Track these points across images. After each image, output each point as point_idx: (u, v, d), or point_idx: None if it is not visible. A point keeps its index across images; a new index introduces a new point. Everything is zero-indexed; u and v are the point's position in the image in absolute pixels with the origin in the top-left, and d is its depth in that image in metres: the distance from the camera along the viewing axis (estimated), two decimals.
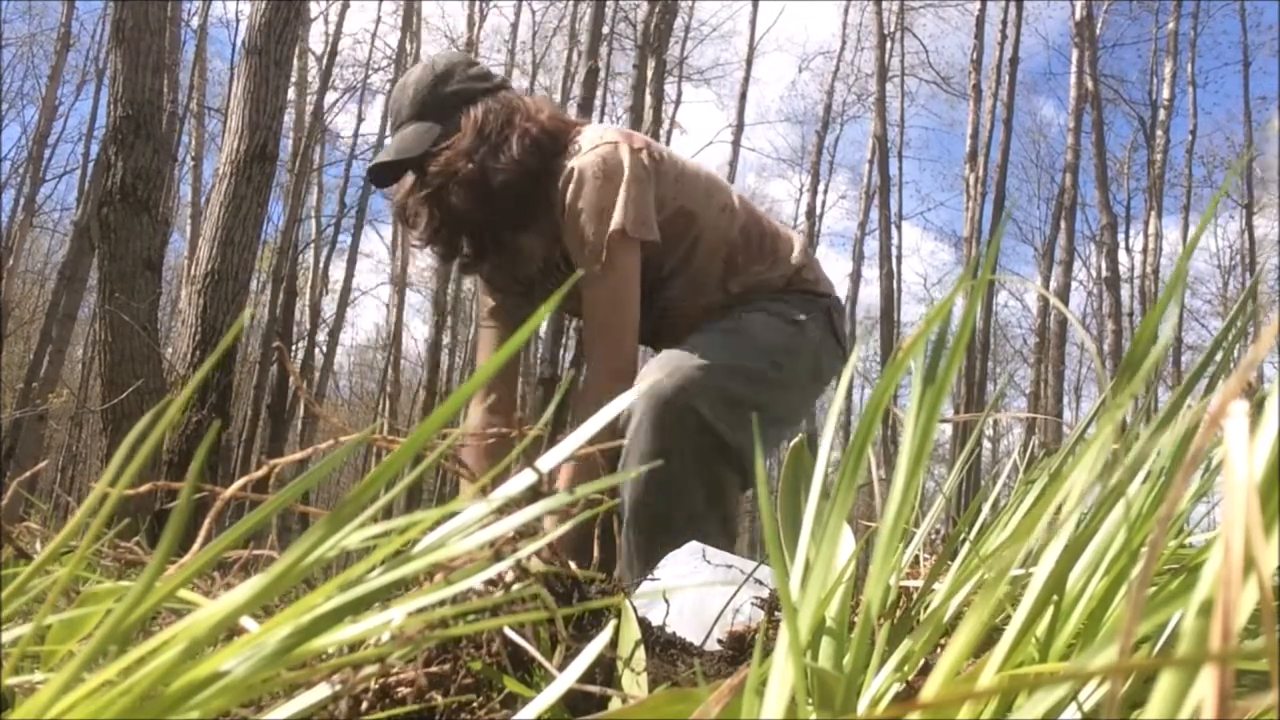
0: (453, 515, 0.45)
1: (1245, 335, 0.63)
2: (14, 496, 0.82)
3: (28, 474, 0.96)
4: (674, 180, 1.74)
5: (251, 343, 12.97)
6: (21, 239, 15.82)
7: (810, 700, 0.45)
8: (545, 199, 1.71)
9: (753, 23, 16.22)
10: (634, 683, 0.61)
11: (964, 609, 0.60)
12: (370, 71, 15.99)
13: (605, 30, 11.40)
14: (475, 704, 0.61)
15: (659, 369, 1.59)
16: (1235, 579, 0.27)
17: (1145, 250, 13.82)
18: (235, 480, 0.61)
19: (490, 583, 0.65)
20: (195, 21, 14.45)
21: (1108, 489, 0.48)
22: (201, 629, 0.37)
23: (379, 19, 15.94)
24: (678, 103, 16.90)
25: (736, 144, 15.45)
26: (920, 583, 0.73)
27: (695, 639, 1.03)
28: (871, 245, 14.99)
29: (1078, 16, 12.32)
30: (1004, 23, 12.83)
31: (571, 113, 7.24)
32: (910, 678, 0.54)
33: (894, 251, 14.06)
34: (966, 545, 0.74)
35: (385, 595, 0.40)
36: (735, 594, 1.02)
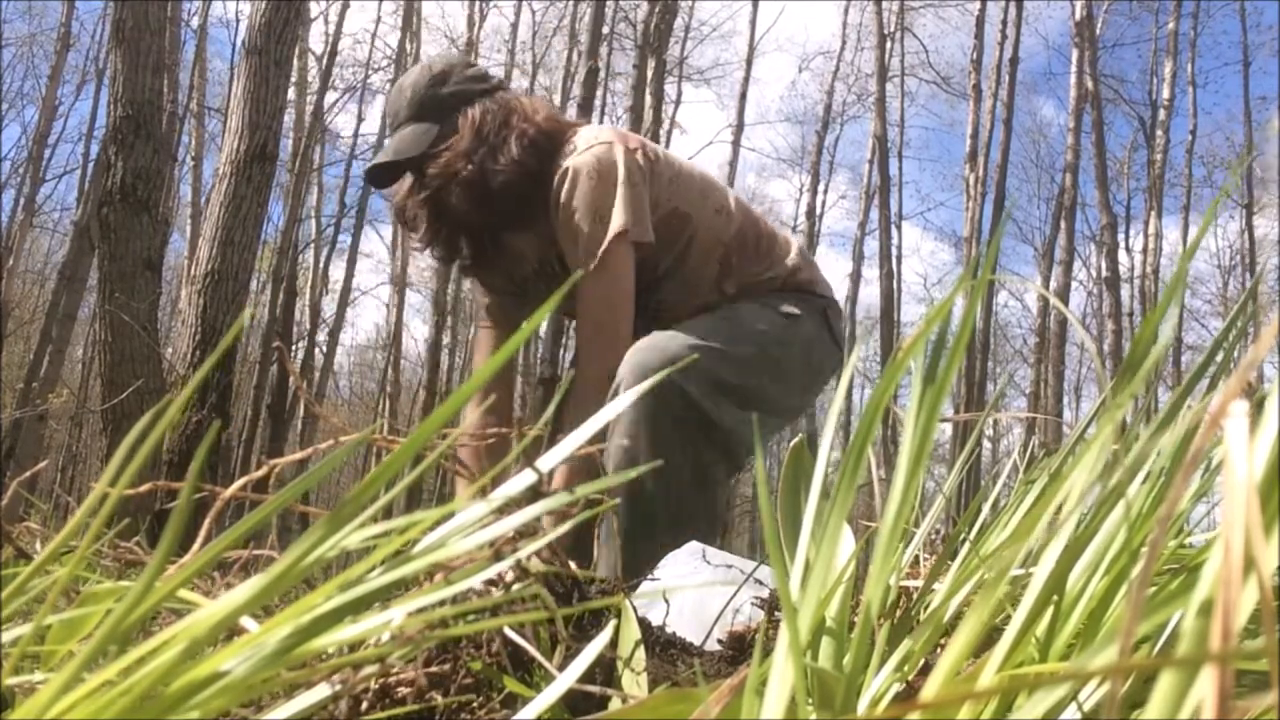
0: (453, 515, 0.45)
1: (1245, 335, 0.63)
2: (14, 496, 0.82)
3: (28, 474, 0.96)
4: (669, 181, 1.74)
5: (251, 343, 12.97)
6: (21, 239, 15.82)
7: (810, 700, 0.45)
8: (542, 200, 1.71)
9: (753, 23, 16.23)
10: (634, 683, 0.61)
11: (964, 609, 0.60)
12: (370, 71, 16.00)
13: (605, 30, 11.40)
14: (475, 704, 0.61)
15: (646, 347, 1.58)
16: (1235, 579, 0.27)
17: (1145, 250, 13.82)
18: (235, 480, 0.61)
19: (490, 583, 0.65)
20: (195, 21, 14.46)
21: (1108, 489, 0.48)
22: (201, 629, 0.37)
23: (379, 19, 15.96)
24: (678, 103, 16.90)
25: (736, 144, 15.45)
26: (920, 583, 0.73)
27: (695, 639, 1.03)
28: (871, 245, 15.01)
29: (1078, 16, 12.32)
30: (1004, 23, 12.84)
31: (571, 113, 7.24)
32: (910, 678, 0.54)
33: (894, 251, 14.07)
34: (966, 545, 0.74)
35: (385, 595, 0.40)
36: (735, 594, 1.02)
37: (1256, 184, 15.34)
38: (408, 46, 14.99)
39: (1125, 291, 13.41)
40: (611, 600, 0.63)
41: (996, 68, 12.59)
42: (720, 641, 1.07)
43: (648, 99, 9.65)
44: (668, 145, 15.71)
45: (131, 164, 3.63)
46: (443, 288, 13.19)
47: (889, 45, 14.91)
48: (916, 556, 0.87)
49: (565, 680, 0.49)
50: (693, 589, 1.04)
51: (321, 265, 15.39)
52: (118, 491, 0.38)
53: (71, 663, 0.36)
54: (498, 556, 0.49)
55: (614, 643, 0.64)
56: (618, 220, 1.62)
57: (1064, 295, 12.67)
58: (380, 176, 1.79)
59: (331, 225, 15.51)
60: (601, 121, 15.86)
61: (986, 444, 18.86)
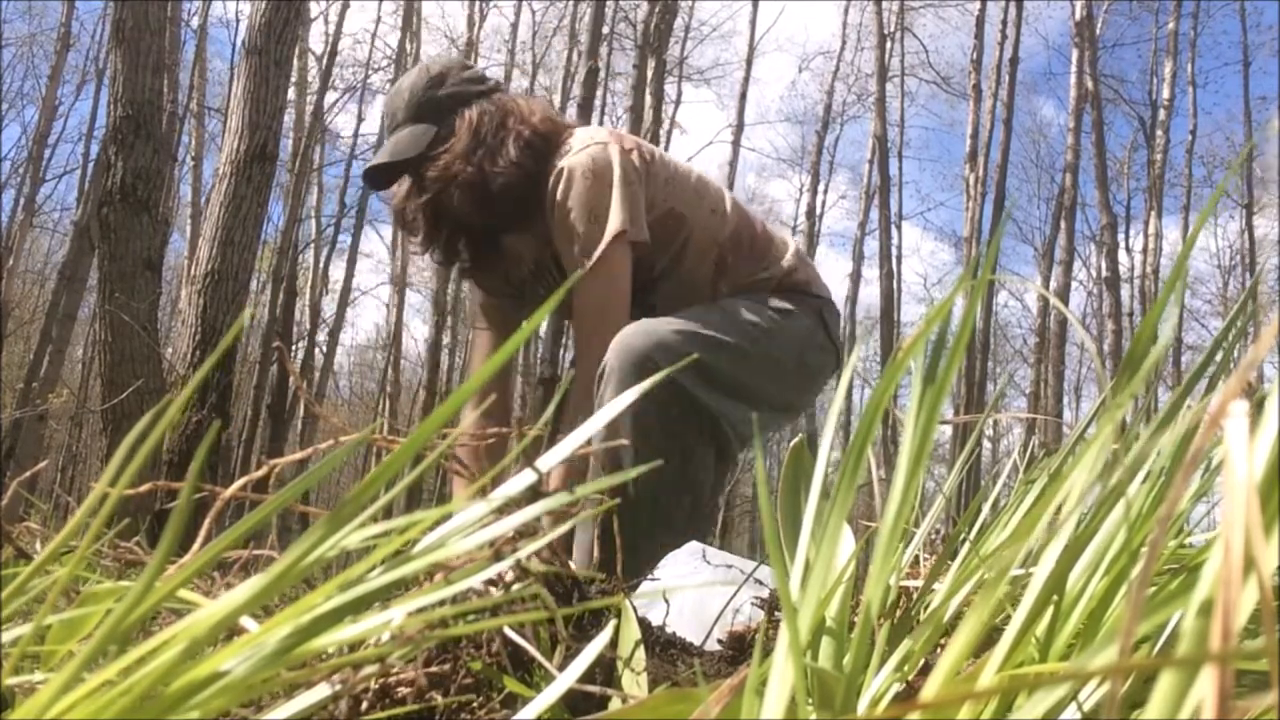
0: (452, 515, 0.45)
1: (1245, 335, 0.63)
2: (14, 496, 0.82)
3: (28, 474, 0.96)
4: (664, 182, 1.74)
5: (251, 343, 12.97)
6: (21, 239, 15.82)
7: (810, 700, 0.45)
8: (538, 201, 1.72)
9: (753, 23, 16.23)
10: (634, 683, 0.62)
11: (964, 609, 0.60)
12: (370, 71, 15.99)
13: (605, 30, 11.40)
14: (475, 704, 0.61)
15: (633, 331, 1.57)
16: (1235, 579, 0.27)
17: (1145, 250, 13.82)
18: (235, 480, 0.61)
19: (490, 583, 0.65)
20: (195, 21, 14.45)
21: (1108, 489, 0.48)
22: (201, 629, 0.37)
23: (379, 19, 15.95)
24: (678, 103, 16.90)
25: (736, 144, 15.45)
26: (920, 583, 0.73)
27: (695, 639, 1.03)
28: (871, 245, 15.01)
29: (1078, 16, 12.32)
30: (1004, 23, 12.84)
31: (572, 113, 7.24)
32: (910, 678, 0.54)
33: (894, 251, 14.06)
34: (966, 545, 0.74)
35: (385, 595, 0.40)
36: (735, 594, 1.02)
37: (1256, 184, 15.36)
38: (408, 46, 14.99)
39: (1125, 291, 13.41)
40: (611, 600, 0.63)
41: (996, 68, 12.59)
42: (720, 641, 1.07)
43: (648, 99, 9.65)
44: (668, 145, 15.72)
45: (131, 164, 3.63)
46: (443, 288, 13.19)
47: (889, 45, 14.91)
48: (916, 556, 0.87)
49: (565, 680, 0.49)
50: (693, 589, 1.04)
51: (321, 265, 15.40)
52: (118, 491, 0.38)
53: (71, 663, 0.36)
54: (498, 556, 0.49)
55: (614, 643, 0.64)
56: (614, 221, 1.62)
57: (1064, 295, 12.68)
58: (378, 178, 1.79)
59: (331, 225, 15.52)
60: (601, 121, 15.87)
61: (986, 444, 18.86)
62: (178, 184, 13.95)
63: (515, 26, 17.07)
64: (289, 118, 13.09)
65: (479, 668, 0.63)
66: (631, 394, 0.51)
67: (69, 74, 15.51)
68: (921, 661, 0.55)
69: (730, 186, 15.30)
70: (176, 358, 3.76)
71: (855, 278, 15.93)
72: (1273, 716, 0.25)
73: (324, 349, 15.10)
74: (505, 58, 17.02)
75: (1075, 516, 0.48)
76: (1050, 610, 0.50)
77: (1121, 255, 13.63)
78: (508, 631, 0.63)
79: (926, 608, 0.70)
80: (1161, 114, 14.33)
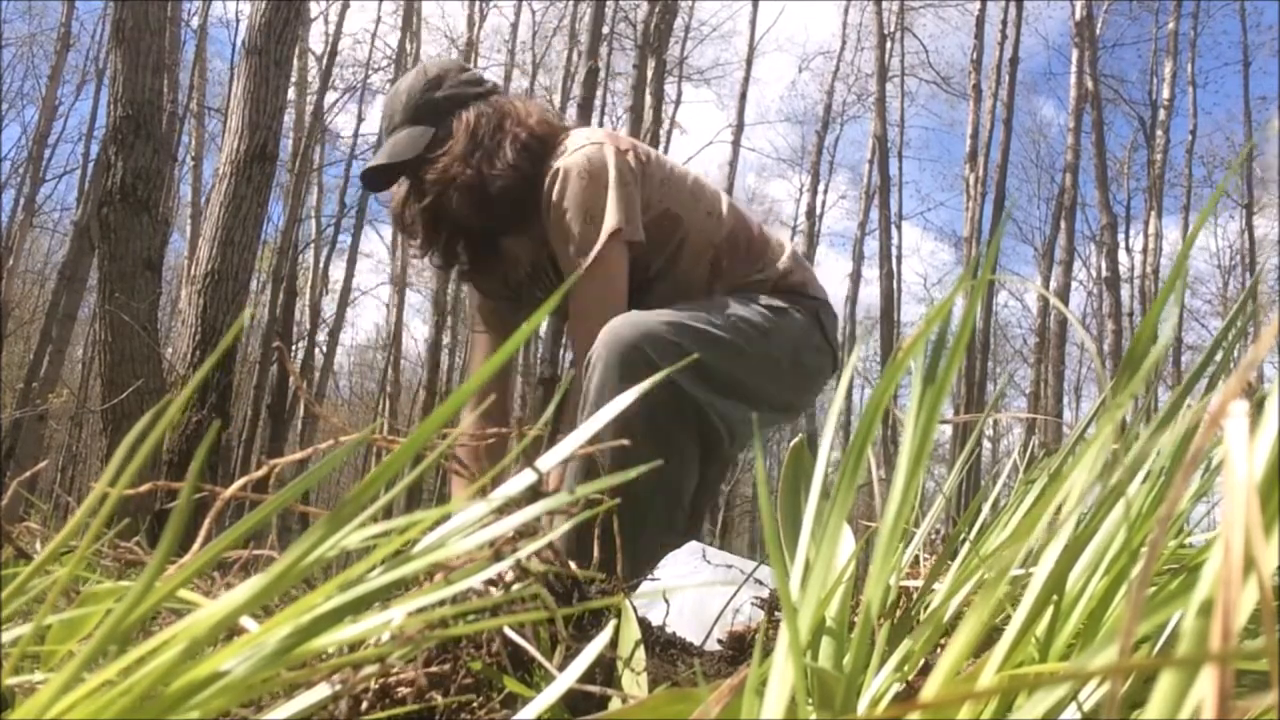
0: (452, 515, 0.45)
1: (1245, 335, 0.63)
2: (14, 496, 0.82)
3: (28, 474, 0.96)
4: (660, 183, 1.74)
5: (251, 343, 12.97)
6: (21, 239, 15.82)
7: (810, 700, 0.45)
8: (535, 202, 1.72)
9: (753, 23, 16.23)
10: (634, 683, 0.62)
11: (964, 609, 0.60)
12: (370, 71, 15.99)
13: (605, 30, 11.40)
14: (475, 704, 0.61)
15: (622, 321, 1.56)
16: (1235, 579, 0.27)
17: (1145, 250, 13.82)
18: (235, 480, 0.61)
19: (490, 583, 0.65)
20: (195, 21, 14.45)
21: (1108, 489, 0.48)
22: (201, 629, 0.37)
23: (379, 19, 15.94)
24: (678, 103, 16.90)
25: (736, 144, 15.45)
26: (920, 583, 0.73)
27: (695, 639, 1.03)
28: (871, 245, 15.01)
29: (1078, 16, 12.32)
30: (1004, 23, 12.84)
31: (571, 113, 7.24)
32: (910, 678, 0.54)
33: (894, 251, 14.06)
34: (966, 545, 0.74)
35: (385, 595, 0.40)
36: (735, 594, 1.02)
37: (1256, 184, 15.36)
38: (408, 46, 14.99)
39: (1125, 291, 13.41)
40: (611, 600, 0.63)
41: (996, 68, 12.59)
42: (720, 641, 1.07)
43: (648, 99, 9.65)
44: (668, 145, 15.73)
45: (131, 164, 3.63)
46: (443, 288, 13.20)
47: (889, 45, 14.91)
48: (916, 556, 0.87)
49: (565, 680, 0.49)
50: (693, 589, 1.04)
51: (321, 265, 15.40)
52: (118, 491, 0.38)
53: (71, 663, 0.36)
54: (498, 556, 0.49)
55: (614, 643, 0.64)
56: (610, 220, 1.62)
57: (1064, 295, 12.68)
58: (376, 179, 1.79)
59: (331, 225, 15.52)
60: (601, 122, 15.87)
61: (986, 444, 18.86)
62: (178, 184, 13.96)
63: (515, 26, 17.08)
64: (289, 118, 13.09)
65: (479, 668, 0.63)
66: (630, 395, 0.51)
67: (69, 74, 15.52)
68: (921, 661, 0.55)
69: (730, 186, 15.37)
70: (176, 358, 3.76)
71: (855, 278, 15.93)
72: (1273, 716, 0.25)
73: (324, 349, 15.11)
74: (505, 58, 17.02)
75: (1075, 516, 0.48)
76: (1050, 610, 0.50)
77: (1121, 255, 13.64)
78: (508, 631, 0.63)
79: (926, 608, 0.70)
80: (1161, 114, 14.34)
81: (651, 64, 9.71)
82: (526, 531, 0.56)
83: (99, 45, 14.47)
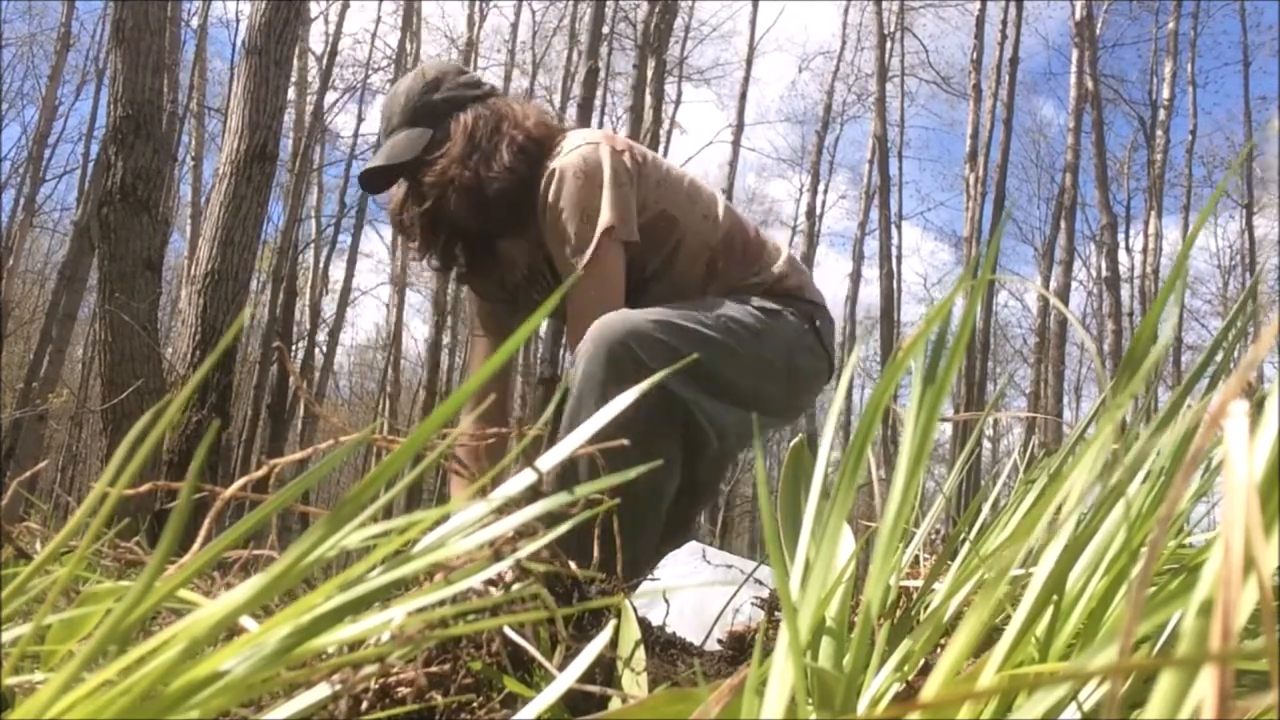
0: (451, 515, 0.45)
1: (1245, 335, 0.63)
2: (14, 496, 0.82)
3: (28, 474, 0.96)
4: (656, 184, 1.74)
5: (251, 343, 12.97)
6: (21, 239, 15.82)
7: (810, 700, 0.45)
8: (531, 204, 1.72)
9: (753, 23, 16.23)
10: (634, 683, 0.61)
11: (964, 609, 0.60)
12: (370, 71, 15.99)
13: (605, 30, 11.40)
14: (475, 704, 0.61)
15: (610, 318, 1.53)
16: (1235, 579, 0.27)
17: (1145, 250, 13.82)
18: (235, 480, 0.61)
19: (490, 583, 0.65)
20: (195, 21, 14.45)
21: (1108, 489, 0.48)
22: (201, 629, 0.37)
23: (379, 19, 15.94)
24: (678, 103, 16.90)
25: (736, 144, 15.45)
26: (920, 583, 0.73)
27: (695, 639, 1.03)
28: (871, 245, 15.01)
29: (1078, 16, 12.32)
30: (1004, 23, 12.84)
31: (571, 113, 7.24)
32: (910, 678, 0.54)
33: (894, 251, 14.07)
34: (966, 545, 0.74)
35: (385, 595, 0.40)
36: (735, 594, 1.02)
37: (1256, 184, 15.36)
38: (408, 46, 14.99)
39: (1125, 291, 13.41)
40: (611, 600, 0.63)
41: (996, 68, 12.59)
42: (720, 641, 1.07)
43: (648, 99, 9.65)
44: (668, 145, 15.73)
45: (131, 164, 3.63)
46: (443, 288, 13.20)
47: (889, 45, 14.92)
48: (916, 556, 0.87)
49: (565, 680, 0.49)
50: (692, 589, 1.04)
51: (321, 265, 15.40)
52: (118, 491, 0.38)
53: (71, 663, 0.36)
54: (497, 556, 0.49)
55: (614, 643, 0.64)
56: (604, 218, 1.62)
57: (1064, 295, 12.68)
58: (374, 181, 1.80)
59: (331, 225, 15.52)
60: (601, 121, 15.88)
61: (986, 444, 18.86)
62: (178, 184, 13.96)
63: (515, 26, 17.08)
64: (289, 118, 13.09)
65: (479, 668, 0.63)
66: (619, 399, 0.51)
67: (69, 74, 15.52)
68: (921, 661, 0.55)
69: (730, 186, 15.37)
70: (176, 358, 3.76)
71: (855, 278, 15.93)
72: (1273, 716, 0.25)
73: (324, 349, 15.11)
74: (505, 58, 17.03)
75: (1075, 516, 0.48)
76: (1050, 610, 0.50)
77: (1121, 255, 13.64)
78: (508, 631, 0.63)
79: (926, 608, 0.70)
80: (1161, 114, 14.34)
81: (651, 64, 9.71)
82: (526, 531, 0.56)
83: (99, 45, 14.47)
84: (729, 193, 15.12)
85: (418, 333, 19.95)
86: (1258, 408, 0.36)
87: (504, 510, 0.44)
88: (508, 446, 1.68)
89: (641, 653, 0.63)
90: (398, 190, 1.84)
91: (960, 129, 15.41)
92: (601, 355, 1.49)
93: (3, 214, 13.93)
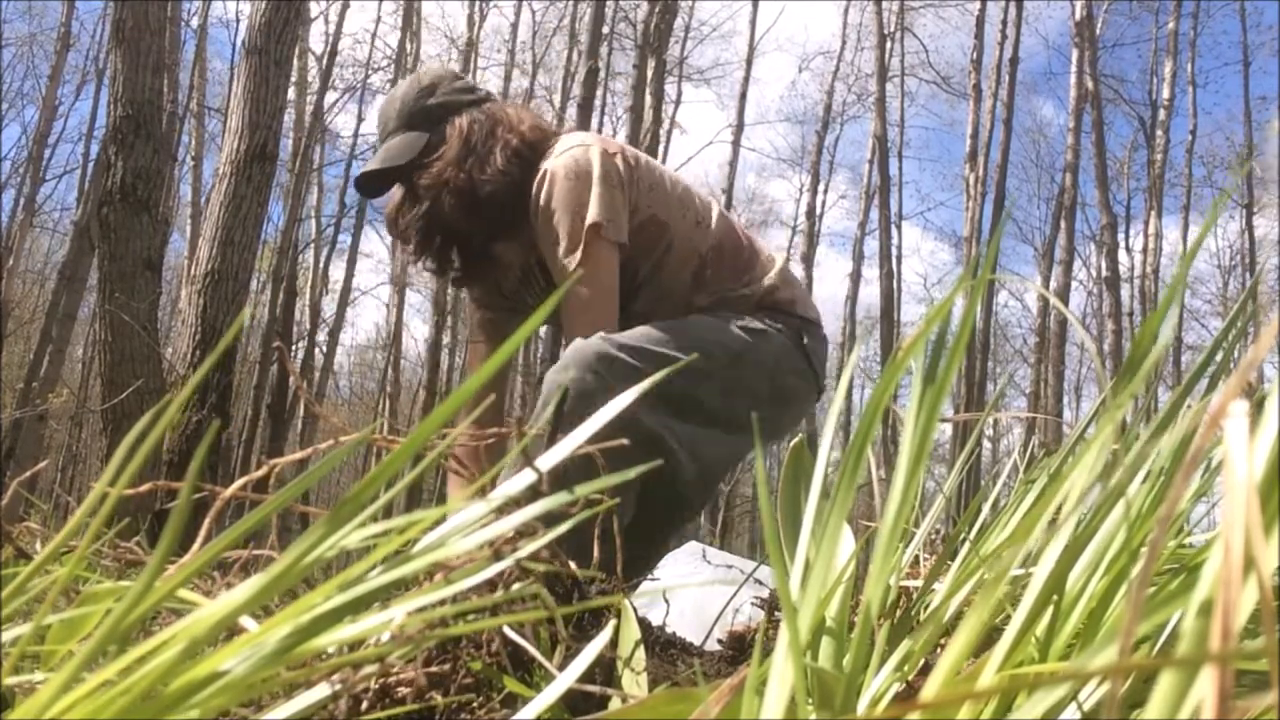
0: (450, 516, 0.45)
1: (1245, 335, 0.63)
2: (14, 496, 0.82)
3: (28, 474, 0.96)
4: (648, 189, 1.74)
5: (251, 343, 12.98)
6: (21, 239, 15.83)
7: (810, 700, 0.45)
8: (524, 207, 1.72)
9: (753, 23, 16.24)
10: (634, 683, 0.61)
11: (964, 609, 0.60)
12: (370, 71, 15.99)
13: (605, 30, 11.40)
14: (475, 704, 0.61)
15: (586, 343, 1.51)
16: (1235, 579, 0.27)
17: (1145, 250, 13.83)
18: (235, 480, 0.61)
19: (490, 582, 0.65)
20: (195, 21, 14.46)
21: (1108, 489, 0.48)
22: (201, 629, 0.37)
23: (379, 19, 15.94)
24: (678, 103, 16.90)
25: (736, 144, 15.46)
26: (920, 583, 0.73)
27: (695, 639, 1.03)
28: (871, 245, 15.02)
29: (1078, 16, 12.32)
30: (1004, 23, 12.84)
31: (571, 113, 7.24)
32: (910, 678, 0.54)
33: (894, 251, 14.07)
34: (966, 545, 0.74)
35: (385, 595, 0.40)
36: (735, 594, 1.02)
37: (1256, 184, 15.35)
38: (408, 46, 15.00)
39: (1125, 291, 13.42)
40: (611, 600, 0.63)
41: (996, 68, 12.59)
42: (720, 641, 1.07)
43: (648, 99, 9.65)
44: (668, 145, 15.72)
45: (131, 164, 3.63)
46: (443, 288, 13.19)
47: (889, 45, 14.92)
48: (916, 556, 0.87)
49: (565, 680, 0.49)
50: (693, 589, 1.04)
51: (321, 265, 15.40)
52: (117, 491, 0.38)
53: (71, 662, 0.36)
54: (497, 556, 0.49)
55: (614, 643, 0.64)
56: (590, 215, 1.62)
57: (1064, 295, 12.68)
58: (370, 185, 1.81)
59: (331, 225, 15.52)
60: (602, 121, 15.88)
61: (986, 444, 18.86)
62: (178, 184, 13.96)
63: (515, 26, 17.08)
64: (289, 118, 13.09)
65: (479, 668, 0.63)
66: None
67: (69, 74, 15.52)
68: (921, 661, 0.55)
69: (730, 186, 15.37)
70: (176, 358, 3.76)
71: (855, 278, 15.93)
72: (1273, 716, 0.25)
73: (324, 349, 15.11)
74: (505, 58, 17.03)
75: (1075, 516, 0.48)
76: (1050, 610, 0.50)
77: (1121, 255, 13.64)
78: (508, 631, 0.63)
79: (926, 608, 0.70)
80: (1161, 114, 14.34)
81: (651, 64, 9.71)
82: (526, 531, 0.56)
83: (99, 45, 14.48)
84: (729, 193, 15.13)
85: (418, 333, 19.96)
86: (1258, 408, 0.36)
87: (503, 510, 0.44)
88: (506, 447, 1.67)
89: (641, 653, 0.63)
90: (395, 194, 1.85)
91: (960, 129, 15.42)
92: (570, 380, 1.47)
93: (3, 214, 13.94)
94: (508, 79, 16.77)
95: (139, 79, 3.71)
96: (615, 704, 0.56)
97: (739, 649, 1.08)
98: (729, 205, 14.66)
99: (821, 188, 17.26)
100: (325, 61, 13.59)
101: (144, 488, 0.56)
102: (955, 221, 20.66)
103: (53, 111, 14.95)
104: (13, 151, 19.91)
